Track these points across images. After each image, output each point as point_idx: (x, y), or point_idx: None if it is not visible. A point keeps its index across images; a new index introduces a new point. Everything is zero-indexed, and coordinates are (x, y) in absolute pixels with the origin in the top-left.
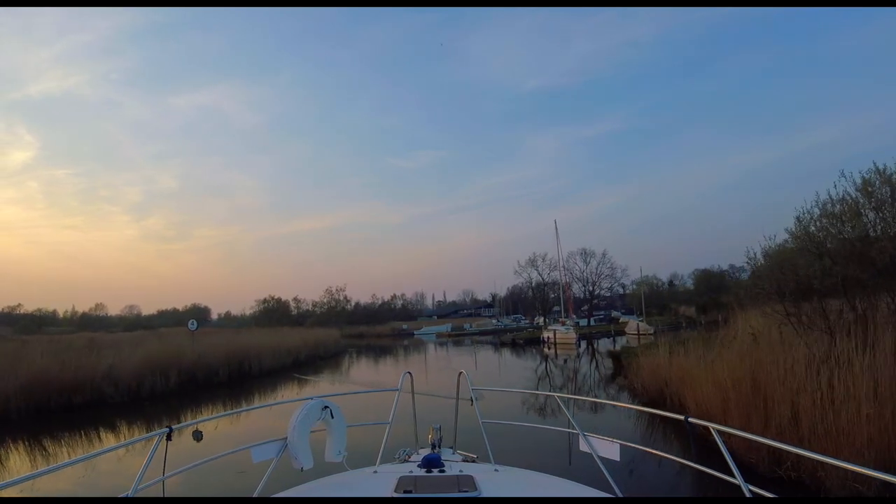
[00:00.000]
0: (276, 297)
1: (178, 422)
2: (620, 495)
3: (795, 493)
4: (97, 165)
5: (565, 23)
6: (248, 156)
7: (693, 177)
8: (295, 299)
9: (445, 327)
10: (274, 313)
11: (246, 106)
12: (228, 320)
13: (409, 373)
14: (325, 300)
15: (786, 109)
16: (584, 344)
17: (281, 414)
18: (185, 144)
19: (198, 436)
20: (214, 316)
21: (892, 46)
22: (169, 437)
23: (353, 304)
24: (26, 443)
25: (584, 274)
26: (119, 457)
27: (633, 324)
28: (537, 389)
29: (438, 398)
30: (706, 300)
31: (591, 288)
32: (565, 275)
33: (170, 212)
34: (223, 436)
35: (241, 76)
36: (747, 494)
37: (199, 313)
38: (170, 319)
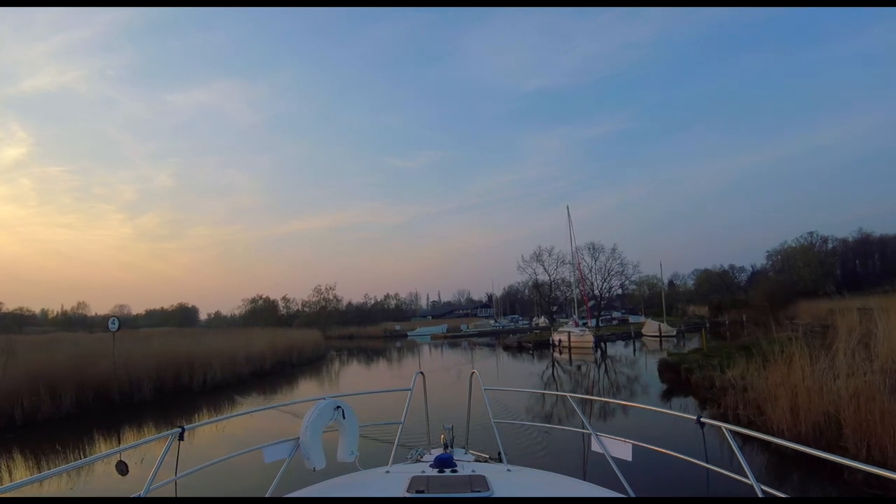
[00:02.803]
0: (263, 297)
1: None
2: (633, 495)
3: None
4: (92, 163)
5: (567, 24)
6: (245, 155)
7: (691, 178)
8: (284, 298)
9: (440, 328)
10: (261, 313)
11: (244, 104)
12: (218, 320)
13: (422, 372)
14: (314, 299)
15: (785, 111)
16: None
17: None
18: (181, 143)
19: (122, 469)
20: (204, 316)
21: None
22: (181, 438)
23: (344, 303)
24: None
25: (592, 271)
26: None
27: (651, 324)
28: (549, 390)
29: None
30: (720, 299)
31: (599, 285)
32: (575, 271)
33: (165, 211)
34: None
35: (240, 74)
36: (759, 494)
37: (185, 313)
38: (155, 319)
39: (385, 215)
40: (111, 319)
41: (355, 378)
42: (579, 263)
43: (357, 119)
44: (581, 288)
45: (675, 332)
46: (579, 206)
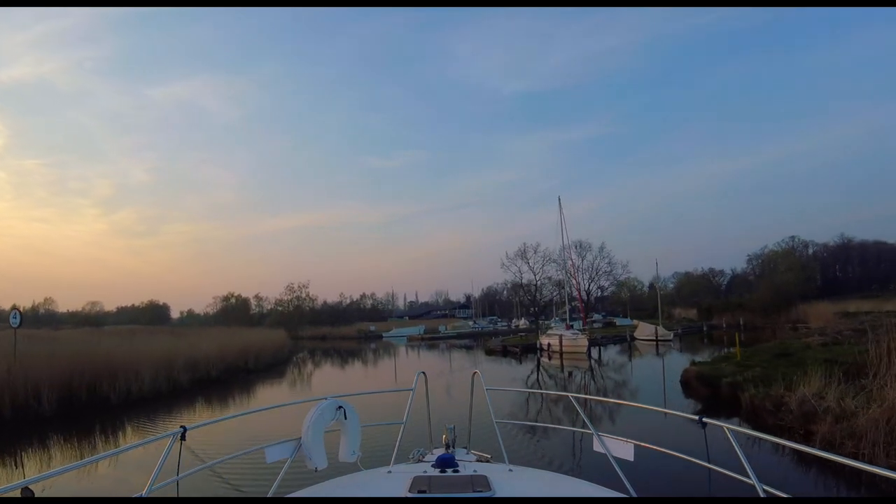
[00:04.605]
0: (235, 295)
1: None
2: (635, 495)
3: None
4: (68, 157)
5: (551, 27)
6: (225, 151)
7: (672, 182)
8: (256, 297)
9: (417, 329)
10: (233, 312)
11: (224, 100)
12: (190, 318)
13: (423, 373)
14: (286, 298)
15: (767, 117)
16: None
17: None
18: (160, 137)
19: (28, 495)
20: (176, 314)
21: (867, 59)
22: (183, 438)
23: (319, 302)
24: None
25: (578, 270)
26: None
27: (645, 327)
28: (551, 390)
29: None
30: (710, 302)
31: (586, 286)
32: (562, 270)
33: (141, 207)
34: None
35: (222, 69)
36: (761, 494)
37: (156, 311)
38: (125, 317)
39: (365, 215)
40: (12, 313)
41: (320, 388)
42: (571, 261)
43: (339, 118)
44: (575, 287)
45: (671, 336)
46: (557, 208)
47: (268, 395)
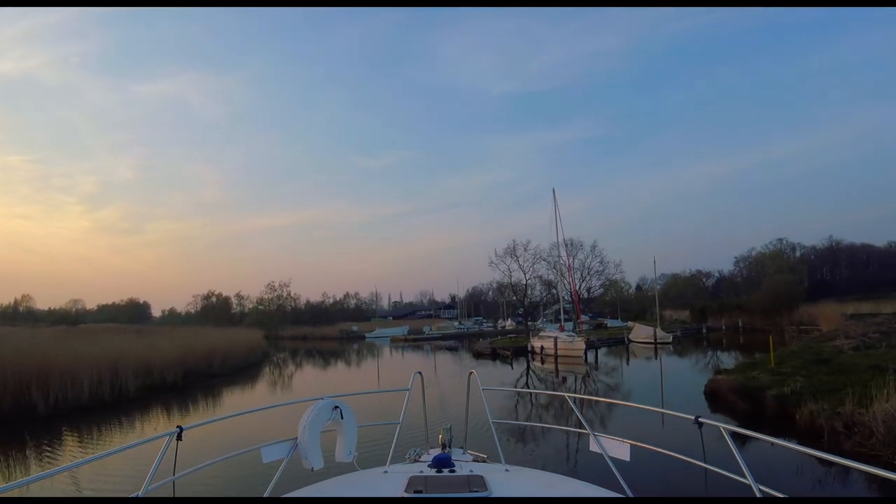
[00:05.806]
0: (216, 293)
1: None
2: (631, 495)
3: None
4: (53, 153)
5: (539, 29)
6: (211, 149)
7: (659, 184)
8: (237, 295)
9: (401, 330)
10: (213, 311)
11: (211, 97)
12: (172, 317)
13: (420, 373)
14: (268, 296)
15: (754, 121)
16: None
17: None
18: (146, 134)
19: None
20: (158, 313)
21: (858, 63)
22: (179, 438)
23: (301, 302)
24: None
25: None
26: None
27: (641, 329)
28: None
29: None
30: (704, 303)
31: (577, 285)
32: (552, 270)
33: (127, 204)
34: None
35: (208, 66)
36: (758, 494)
37: (136, 309)
38: (104, 315)
39: (351, 214)
40: None
41: (293, 395)
42: (567, 256)
43: (327, 117)
44: (570, 285)
45: (670, 339)
46: (545, 208)
47: (234, 401)
